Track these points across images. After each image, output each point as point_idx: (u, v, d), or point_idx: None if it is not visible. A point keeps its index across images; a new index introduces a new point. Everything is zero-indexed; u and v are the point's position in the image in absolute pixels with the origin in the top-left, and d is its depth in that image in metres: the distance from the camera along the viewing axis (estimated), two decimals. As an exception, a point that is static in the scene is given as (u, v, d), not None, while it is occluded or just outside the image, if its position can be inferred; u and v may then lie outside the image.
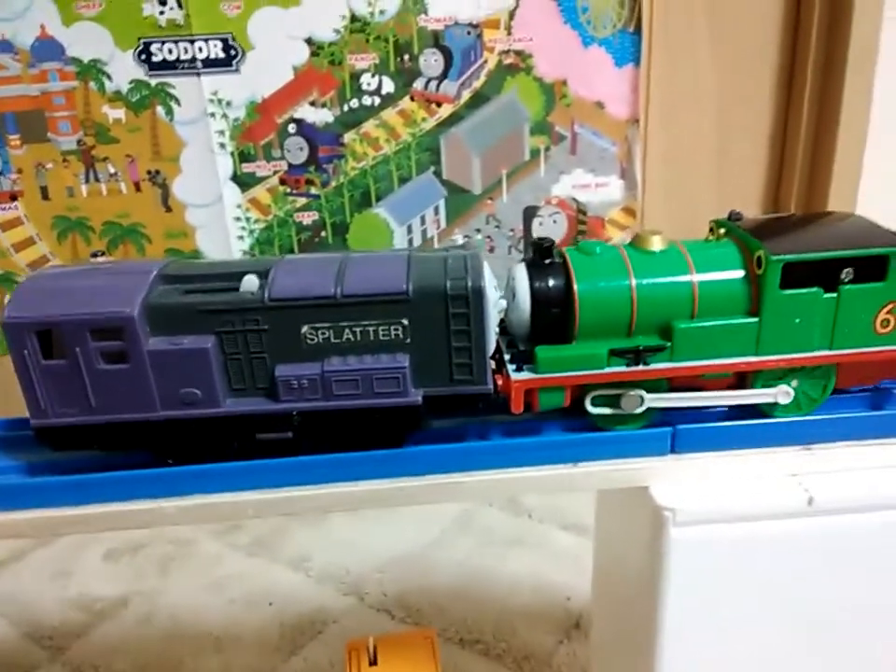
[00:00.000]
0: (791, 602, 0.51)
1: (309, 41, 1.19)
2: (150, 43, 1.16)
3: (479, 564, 1.00)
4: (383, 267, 0.50)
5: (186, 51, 1.16)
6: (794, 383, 0.52)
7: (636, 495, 0.51)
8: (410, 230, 1.34)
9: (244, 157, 1.23)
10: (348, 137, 1.25)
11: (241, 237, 1.27)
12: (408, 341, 0.49)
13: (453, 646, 0.87)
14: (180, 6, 1.14)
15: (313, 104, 1.22)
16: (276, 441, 0.51)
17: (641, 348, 0.50)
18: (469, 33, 1.25)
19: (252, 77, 1.19)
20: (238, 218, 1.26)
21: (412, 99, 1.26)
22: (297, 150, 1.24)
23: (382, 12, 1.19)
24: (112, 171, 1.21)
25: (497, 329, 0.51)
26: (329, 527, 1.08)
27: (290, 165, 1.25)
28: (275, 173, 1.25)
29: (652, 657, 0.51)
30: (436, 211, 1.34)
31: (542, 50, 1.28)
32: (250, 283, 0.49)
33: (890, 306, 0.51)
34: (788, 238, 0.52)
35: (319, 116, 1.23)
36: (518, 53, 1.28)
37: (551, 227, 1.40)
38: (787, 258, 0.49)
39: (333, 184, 1.27)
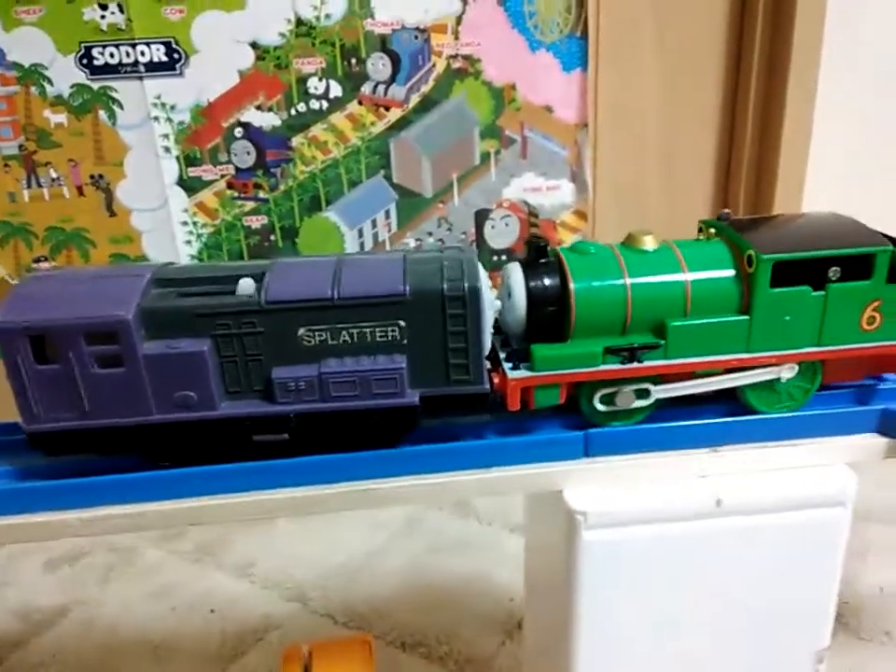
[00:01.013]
0: (703, 601, 0.52)
1: (254, 45, 1.18)
2: (92, 47, 1.15)
3: (425, 567, 1.01)
4: (379, 269, 0.50)
5: (128, 55, 1.15)
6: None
7: (552, 498, 0.52)
8: (361, 233, 1.34)
9: (189, 161, 1.22)
10: (296, 141, 1.25)
11: (188, 241, 1.26)
12: (405, 342, 0.49)
13: (395, 650, 0.87)
14: (121, 10, 1.13)
15: (259, 107, 1.22)
16: (273, 442, 0.51)
17: (636, 346, 0.51)
18: (416, 37, 1.25)
19: (196, 80, 1.18)
20: (185, 223, 1.25)
21: (360, 103, 1.26)
22: (244, 154, 1.24)
23: (328, 16, 1.19)
24: (54, 175, 1.20)
25: (492, 329, 0.51)
26: (275, 533, 1.07)
27: (237, 169, 1.24)
28: (222, 177, 1.24)
29: (569, 656, 0.52)
30: (387, 215, 1.34)
31: (490, 55, 1.29)
32: (246, 286, 0.49)
33: (876, 304, 0.52)
34: (777, 238, 0.53)
35: (266, 119, 1.23)
36: (466, 58, 1.28)
37: (503, 230, 1.41)
38: (776, 257, 0.50)
39: (282, 188, 1.27)
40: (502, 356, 0.53)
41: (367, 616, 0.92)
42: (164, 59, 1.16)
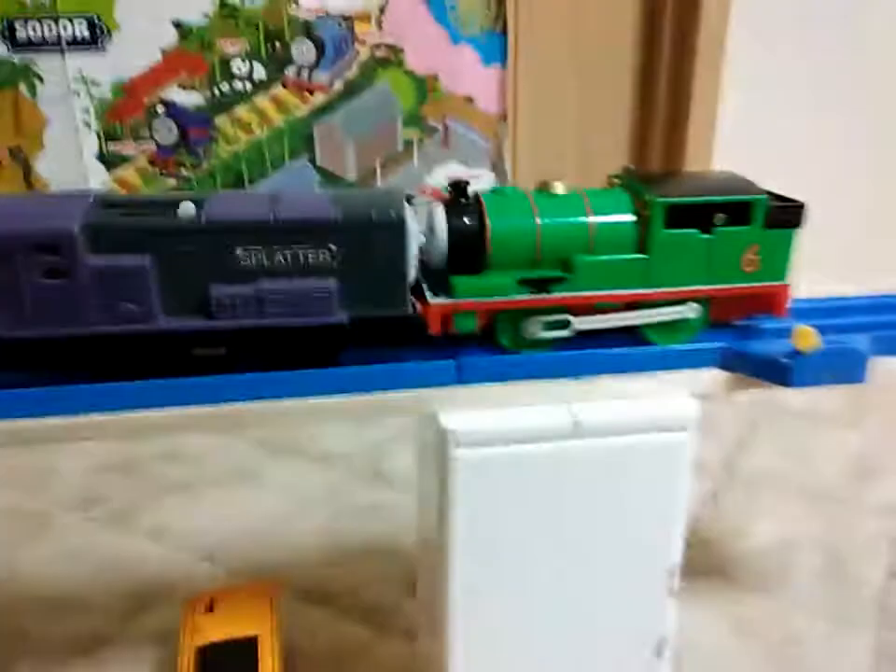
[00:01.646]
0: (563, 520, 0.56)
1: (177, 24, 1.20)
2: (14, 21, 1.15)
3: (337, 530, 1.03)
4: (314, 198, 0.55)
5: (50, 30, 1.16)
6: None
7: (429, 425, 0.55)
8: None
9: (110, 136, 1.23)
10: (219, 121, 1.27)
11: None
12: (335, 265, 0.53)
13: (301, 603, 0.89)
14: (44, -16, 1.14)
15: (182, 86, 1.24)
16: (211, 358, 0.54)
17: (545, 278, 0.56)
18: (340, 24, 1.29)
19: (118, 57, 1.20)
20: (106, 199, 1.26)
21: (284, 86, 1.28)
22: (166, 131, 1.25)
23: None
24: (-29, 147, 1.20)
25: (416, 262, 0.55)
26: (194, 497, 1.08)
27: (159, 146, 1.26)
28: (143, 153, 1.25)
29: (446, 574, 0.56)
30: (310, 198, 1.37)
31: (413, 45, 1.34)
32: (187, 208, 0.52)
33: (755, 248, 0.58)
34: (672, 186, 0.59)
35: (189, 98, 1.25)
36: (389, 47, 1.33)
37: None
38: (670, 200, 0.56)
39: (205, 166, 1.29)
40: (424, 286, 0.57)
41: (276, 573, 0.94)
42: (87, 34, 1.17)
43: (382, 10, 1.31)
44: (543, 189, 0.59)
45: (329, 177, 1.36)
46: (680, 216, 0.57)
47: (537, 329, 0.57)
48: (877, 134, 1.55)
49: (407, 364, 0.55)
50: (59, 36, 1.17)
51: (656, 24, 1.42)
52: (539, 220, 0.56)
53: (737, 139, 1.44)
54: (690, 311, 0.59)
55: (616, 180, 0.62)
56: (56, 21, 1.16)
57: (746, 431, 1.21)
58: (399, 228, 0.53)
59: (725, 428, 1.21)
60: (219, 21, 1.22)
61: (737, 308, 0.62)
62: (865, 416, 1.26)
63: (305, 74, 1.29)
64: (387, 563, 0.98)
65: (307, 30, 1.27)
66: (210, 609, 0.74)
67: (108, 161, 1.24)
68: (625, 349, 0.58)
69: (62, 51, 1.18)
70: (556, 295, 0.57)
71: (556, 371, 0.57)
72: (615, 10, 1.41)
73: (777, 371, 0.56)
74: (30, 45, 1.17)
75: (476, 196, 0.57)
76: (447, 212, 0.56)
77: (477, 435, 0.53)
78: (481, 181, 1.46)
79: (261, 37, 1.24)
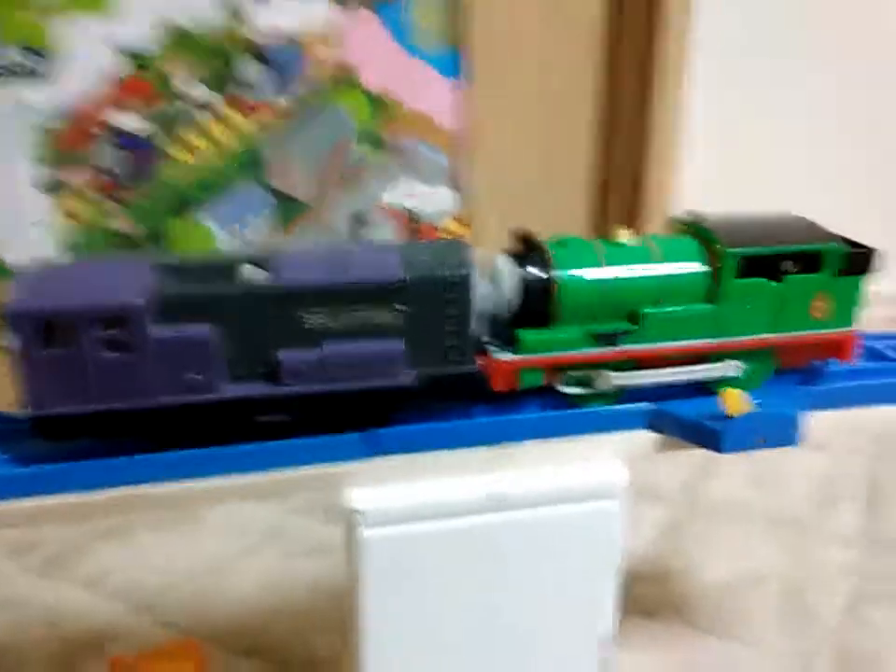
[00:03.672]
0: (486, 595, 0.53)
1: (124, 49, 1.16)
2: (-51, 46, 1.11)
3: (281, 574, 1.00)
4: (379, 256, 0.53)
5: (-12, 57, 1.12)
6: (744, 364, 0.59)
7: (342, 499, 0.53)
8: (234, 236, 1.33)
9: (51, 163, 1.19)
10: (166, 144, 1.23)
11: (49, 244, 1.23)
12: (401, 324, 0.52)
13: (236, 656, 0.86)
14: (-20, 10, 1.09)
15: (127, 110, 1.20)
16: (274, 423, 0.52)
17: (613, 332, 0.55)
18: (292, 44, 1.25)
19: (61, 83, 1.15)
20: (45, 225, 1.22)
21: (234, 108, 1.25)
22: (110, 157, 1.21)
23: (201, 22, 1.18)
24: None
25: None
26: (133, 542, 1.05)
27: (104, 172, 1.22)
28: (87, 179, 1.21)
29: (359, 655, 0.53)
30: (263, 218, 1.33)
31: (368, 63, 1.30)
32: (250, 272, 0.51)
33: (824, 295, 0.58)
34: (741, 233, 0.58)
35: (134, 123, 1.21)
36: (343, 65, 1.29)
37: (381, 234, 1.42)
38: (743, 251, 0.56)
39: (150, 190, 1.25)
40: (485, 339, 0.55)
41: (217, 624, 0.91)
42: (28, 61, 1.13)
43: (335, 29, 1.27)
44: (607, 237, 0.58)
45: (281, 198, 1.32)
46: (752, 265, 0.56)
47: (608, 383, 0.55)
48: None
49: (310, 440, 0.52)
50: (-2, 62, 1.13)
51: (620, 39, 1.39)
52: (607, 271, 0.55)
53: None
54: (730, 369, 0.57)
55: (681, 226, 0.61)
56: (-6, 46, 1.12)
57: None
58: (465, 285, 0.52)
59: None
60: (167, 44, 1.18)
61: (806, 355, 0.61)
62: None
63: (256, 95, 1.25)
64: (328, 608, 0.94)
65: (258, 51, 1.23)
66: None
67: (49, 188, 1.20)
68: (551, 413, 0.55)
69: (1, 76, 1.13)
70: (626, 348, 0.56)
71: (473, 439, 0.54)
72: (577, 25, 1.38)
73: (706, 436, 0.54)
74: (-33, 70, 1.13)
75: (541, 246, 0.55)
76: (513, 263, 0.55)
77: (386, 513, 0.50)
78: (439, 198, 1.43)
79: (211, 60, 1.20)
